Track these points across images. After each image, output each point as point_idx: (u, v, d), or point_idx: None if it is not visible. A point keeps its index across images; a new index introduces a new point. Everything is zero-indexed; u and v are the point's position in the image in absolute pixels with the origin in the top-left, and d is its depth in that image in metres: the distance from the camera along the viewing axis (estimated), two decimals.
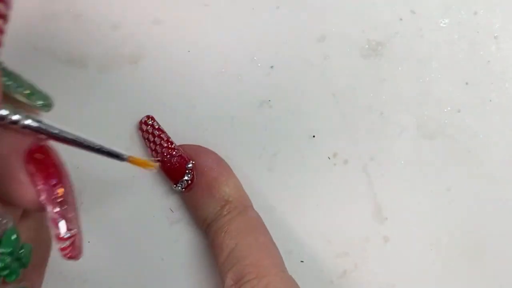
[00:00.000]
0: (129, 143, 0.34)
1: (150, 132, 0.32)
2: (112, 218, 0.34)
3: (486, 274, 0.35)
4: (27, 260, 0.24)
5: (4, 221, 0.23)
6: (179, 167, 0.32)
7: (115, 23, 0.34)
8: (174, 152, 0.32)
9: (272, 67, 0.35)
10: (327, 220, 0.35)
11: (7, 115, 0.23)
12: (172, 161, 0.32)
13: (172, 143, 0.32)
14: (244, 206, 0.32)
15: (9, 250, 0.23)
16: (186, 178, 0.32)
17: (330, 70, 0.35)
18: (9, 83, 0.25)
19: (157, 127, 0.32)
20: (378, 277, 0.35)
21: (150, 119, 0.33)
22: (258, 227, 0.31)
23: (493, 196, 0.35)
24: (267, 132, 0.35)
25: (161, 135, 0.32)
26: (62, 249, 0.23)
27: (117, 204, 0.34)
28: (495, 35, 0.36)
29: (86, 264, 0.33)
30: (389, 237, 0.35)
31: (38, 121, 0.24)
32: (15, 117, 0.23)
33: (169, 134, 0.33)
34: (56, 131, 0.24)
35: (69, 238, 0.23)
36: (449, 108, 0.36)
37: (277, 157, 0.35)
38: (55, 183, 0.24)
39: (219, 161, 0.33)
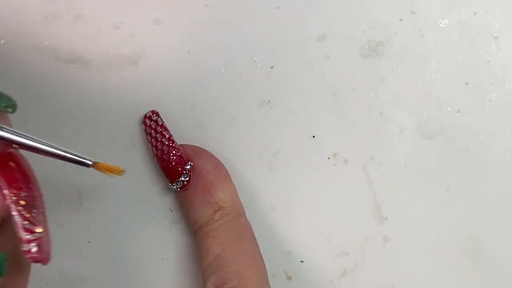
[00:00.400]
0: (129, 143, 0.34)
1: (153, 127, 0.32)
2: (112, 218, 0.34)
3: (486, 274, 0.35)
4: (1, 270, 0.24)
5: None
6: (177, 167, 0.32)
7: (115, 23, 0.34)
8: (174, 151, 0.32)
9: (272, 67, 0.35)
10: (327, 220, 0.35)
11: None
12: (171, 160, 0.32)
13: (173, 141, 0.32)
14: (237, 213, 0.32)
15: None
16: (182, 178, 0.32)
17: (330, 70, 0.35)
18: None
19: (160, 123, 0.33)
20: (378, 277, 0.35)
21: (154, 115, 0.33)
22: (247, 236, 0.31)
23: (493, 196, 0.35)
24: (267, 132, 0.35)
25: (163, 132, 0.32)
26: (26, 252, 0.23)
27: (117, 204, 0.34)
28: (495, 35, 0.36)
29: (86, 263, 0.33)
30: (389, 237, 0.35)
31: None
32: None
33: None
34: (19, 139, 0.25)
35: (34, 241, 0.23)
36: (449, 108, 0.36)
37: (277, 157, 0.35)
38: (21, 188, 0.24)
39: (218, 165, 0.33)
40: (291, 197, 0.35)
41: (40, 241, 0.24)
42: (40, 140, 0.25)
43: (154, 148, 0.32)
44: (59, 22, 0.34)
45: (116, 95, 0.34)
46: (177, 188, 0.32)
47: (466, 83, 0.36)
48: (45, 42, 0.34)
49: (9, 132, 0.24)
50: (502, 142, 0.36)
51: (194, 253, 0.34)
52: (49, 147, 0.25)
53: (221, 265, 0.29)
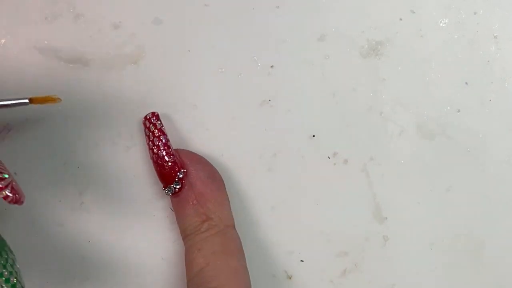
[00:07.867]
0: (130, 143, 0.34)
1: (151, 130, 0.32)
2: (112, 217, 0.34)
3: (486, 274, 0.35)
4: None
5: None
6: (170, 173, 0.31)
7: (115, 23, 0.34)
8: (168, 157, 0.32)
9: (272, 67, 0.35)
10: (327, 220, 0.35)
11: None
12: (165, 165, 0.31)
13: (169, 147, 0.32)
14: (225, 225, 0.31)
15: None
16: (174, 185, 0.31)
17: (330, 70, 0.35)
18: None
19: (159, 127, 0.32)
20: (378, 277, 0.35)
21: (154, 117, 0.32)
22: (233, 250, 0.31)
23: (493, 196, 0.35)
24: (267, 132, 0.35)
25: (160, 136, 0.32)
26: (4, 198, 0.25)
27: (116, 203, 0.34)
28: (495, 35, 0.36)
29: (86, 263, 0.33)
30: (389, 236, 0.35)
31: None
32: None
33: (169, 134, 0.32)
34: None
35: (6, 187, 0.25)
36: (449, 108, 0.36)
37: (277, 157, 0.35)
38: None
39: (213, 174, 0.32)
40: (291, 197, 0.35)
41: (11, 185, 0.25)
42: None
43: (150, 151, 0.32)
44: (59, 22, 0.34)
45: (116, 95, 0.34)
46: (169, 193, 0.32)
47: (466, 83, 0.36)
48: (45, 42, 0.34)
49: None
50: (502, 142, 0.36)
51: None
52: None
53: (203, 279, 0.29)
